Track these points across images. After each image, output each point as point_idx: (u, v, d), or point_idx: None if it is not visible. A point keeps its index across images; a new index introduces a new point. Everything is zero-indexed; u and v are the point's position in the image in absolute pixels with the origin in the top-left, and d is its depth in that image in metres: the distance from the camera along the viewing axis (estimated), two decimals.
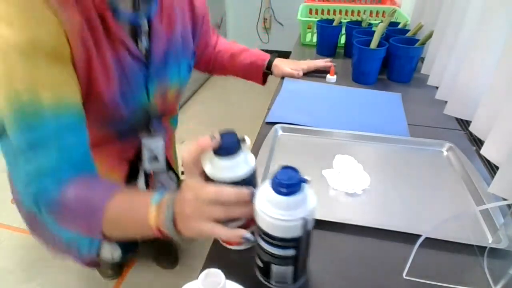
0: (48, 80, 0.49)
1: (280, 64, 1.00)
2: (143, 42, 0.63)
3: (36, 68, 0.48)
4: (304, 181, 0.39)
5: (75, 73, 0.53)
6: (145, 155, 0.79)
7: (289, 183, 0.38)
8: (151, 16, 0.62)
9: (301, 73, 1.04)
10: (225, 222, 0.43)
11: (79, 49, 0.52)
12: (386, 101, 0.94)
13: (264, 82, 1.03)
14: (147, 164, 0.80)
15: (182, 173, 0.78)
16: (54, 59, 0.49)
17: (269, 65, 1.00)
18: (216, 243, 0.53)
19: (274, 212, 0.39)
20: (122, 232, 0.52)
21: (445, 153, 0.73)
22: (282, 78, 1.04)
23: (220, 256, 0.52)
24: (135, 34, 0.62)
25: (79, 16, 0.51)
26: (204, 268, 0.50)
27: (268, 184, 0.40)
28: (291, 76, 1.03)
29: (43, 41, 0.47)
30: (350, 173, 0.65)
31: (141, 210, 0.47)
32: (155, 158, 0.80)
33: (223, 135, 0.44)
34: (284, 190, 0.38)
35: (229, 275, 0.48)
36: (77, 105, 0.54)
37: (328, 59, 1.11)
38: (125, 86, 0.61)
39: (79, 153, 0.54)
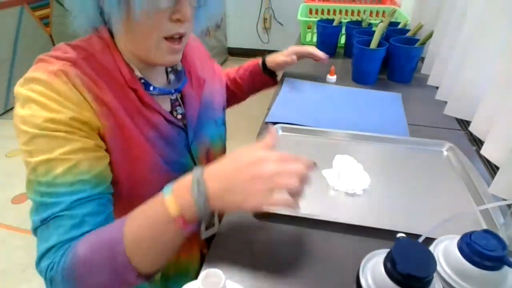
0: (62, 154, 0.49)
1: (273, 56, 0.95)
2: (178, 110, 0.66)
3: (52, 144, 0.49)
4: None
5: (103, 142, 0.54)
6: (203, 226, 0.75)
7: (494, 255, 0.31)
8: (181, 87, 0.65)
9: (294, 57, 0.95)
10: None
11: (109, 119, 0.54)
12: (386, 101, 0.94)
13: (275, 81, 0.97)
14: (204, 234, 0.75)
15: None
16: (71, 130, 0.50)
17: (265, 64, 0.95)
18: (217, 243, 0.53)
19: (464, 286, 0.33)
20: (153, 251, 0.47)
21: (445, 153, 0.73)
22: (282, 78, 1.04)
23: (220, 256, 0.52)
24: (169, 102, 0.65)
25: (109, 90, 0.54)
26: (204, 268, 0.50)
27: (456, 248, 0.34)
28: (286, 64, 0.95)
29: (61, 115, 0.49)
30: (350, 173, 0.65)
31: (157, 210, 0.46)
32: (211, 225, 0.75)
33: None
34: (487, 263, 0.32)
35: (229, 275, 0.48)
36: (95, 176, 0.51)
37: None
38: (166, 151, 0.62)
39: (95, 223, 0.50)
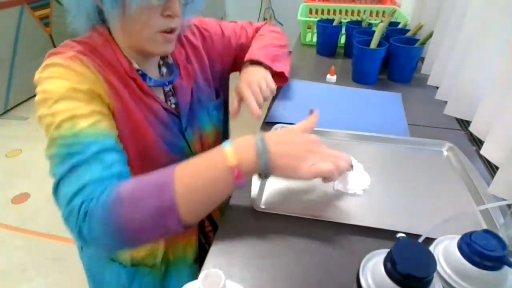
0: (85, 113, 0.53)
1: (241, 77, 0.79)
2: (171, 99, 0.71)
3: (75, 104, 0.53)
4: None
5: (112, 118, 0.59)
6: None
7: (494, 255, 0.31)
8: (174, 79, 0.70)
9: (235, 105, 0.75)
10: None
11: (117, 101, 0.60)
12: (386, 101, 0.94)
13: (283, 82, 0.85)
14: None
15: None
16: (90, 99, 0.55)
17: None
18: (217, 243, 0.54)
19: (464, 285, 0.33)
20: (200, 198, 0.48)
21: (445, 153, 0.73)
22: None
23: (220, 256, 0.52)
24: (163, 93, 0.70)
25: (115, 77, 0.60)
26: (204, 268, 0.50)
27: (456, 248, 0.34)
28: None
29: (81, 86, 0.54)
30: (350, 173, 0.65)
31: (214, 159, 0.49)
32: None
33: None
34: (487, 263, 0.32)
35: (229, 275, 0.48)
36: (114, 136, 0.56)
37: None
38: (165, 133, 0.68)
39: (122, 169, 0.53)
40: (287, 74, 0.84)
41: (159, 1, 0.56)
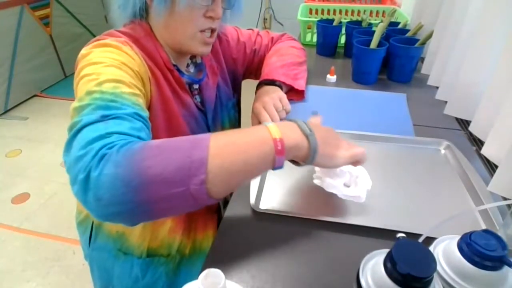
0: (129, 83, 0.54)
1: (258, 95, 0.82)
2: (196, 98, 0.76)
3: (122, 73, 0.54)
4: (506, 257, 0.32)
5: (148, 103, 0.62)
6: (221, 204, 0.85)
7: (494, 255, 0.32)
8: (203, 78, 0.75)
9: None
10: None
11: (157, 90, 0.63)
12: (390, 102, 0.93)
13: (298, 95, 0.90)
14: (223, 212, 0.81)
15: None
16: (135, 77, 0.57)
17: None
18: (217, 243, 0.53)
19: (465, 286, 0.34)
20: (232, 167, 0.44)
21: (443, 151, 0.73)
22: None
23: (220, 256, 0.52)
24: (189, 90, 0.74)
25: (156, 68, 0.65)
26: (204, 268, 0.50)
27: (456, 248, 0.35)
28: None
29: (130, 64, 0.57)
30: (351, 175, 0.65)
31: (255, 130, 0.48)
32: (227, 203, 0.80)
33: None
34: (487, 263, 0.32)
35: (229, 275, 0.48)
36: (147, 113, 0.55)
37: None
38: (195, 127, 0.72)
39: (147, 139, 0.50)
40: (305, 90, 0.91)
41: (207, 2, 0.62)
